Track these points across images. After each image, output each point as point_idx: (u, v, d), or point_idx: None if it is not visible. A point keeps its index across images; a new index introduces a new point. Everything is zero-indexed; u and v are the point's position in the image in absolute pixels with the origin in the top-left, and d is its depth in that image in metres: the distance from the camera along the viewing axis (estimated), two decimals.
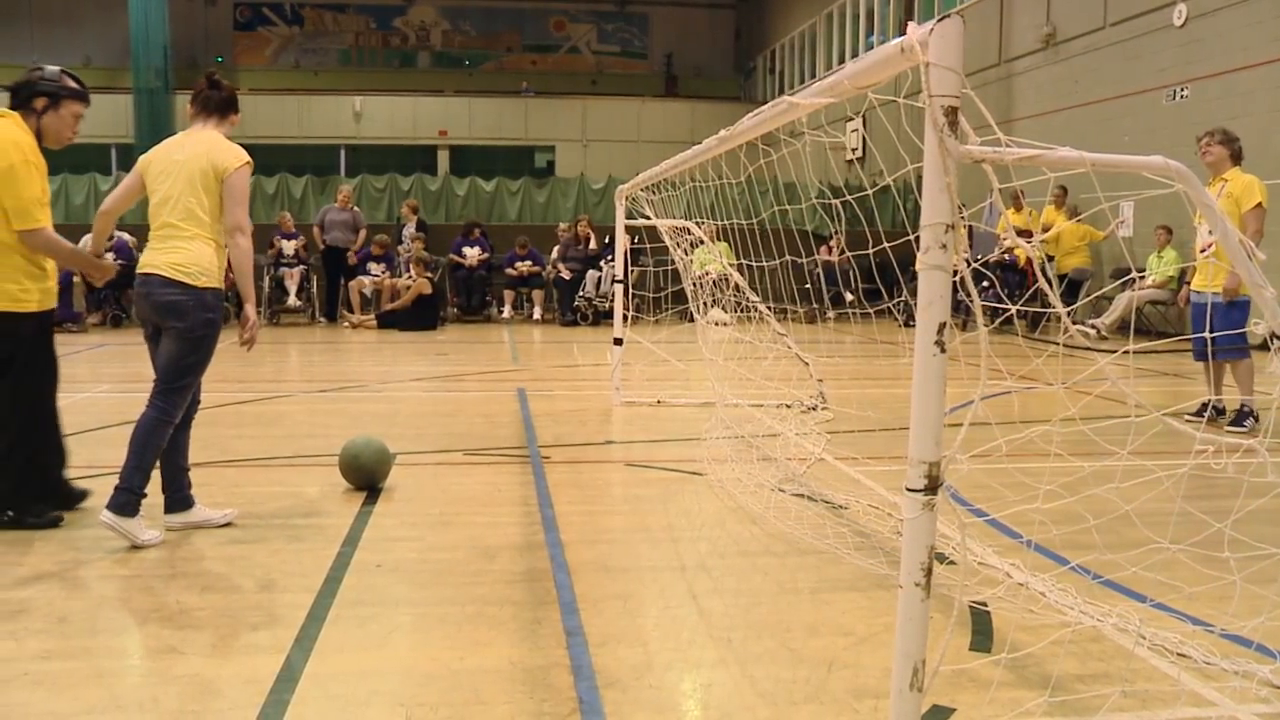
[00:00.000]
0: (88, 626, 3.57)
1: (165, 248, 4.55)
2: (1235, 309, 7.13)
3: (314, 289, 16.59)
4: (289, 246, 16.25)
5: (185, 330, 4.51)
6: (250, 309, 4.65)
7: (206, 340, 4.58)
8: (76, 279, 14.92)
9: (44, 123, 4.79)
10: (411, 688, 3.08)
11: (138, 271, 4.61)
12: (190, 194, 4.54)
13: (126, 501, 4.43)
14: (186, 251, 4.52)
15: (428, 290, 15.33)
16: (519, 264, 17.03)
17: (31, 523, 4.73)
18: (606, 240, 16.25)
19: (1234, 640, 3.34)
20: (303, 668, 3.22)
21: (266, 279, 16.05)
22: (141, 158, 4.74)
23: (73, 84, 4.85)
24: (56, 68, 4.89)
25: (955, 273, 2.27)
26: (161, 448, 4.57)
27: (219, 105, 4.75)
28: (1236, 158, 7.34)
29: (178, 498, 4.77)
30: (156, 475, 4.62)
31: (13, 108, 4.78)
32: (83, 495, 5.08)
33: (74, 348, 12.34)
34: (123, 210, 4.90)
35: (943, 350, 2.24)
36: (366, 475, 5.46)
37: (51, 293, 4.91)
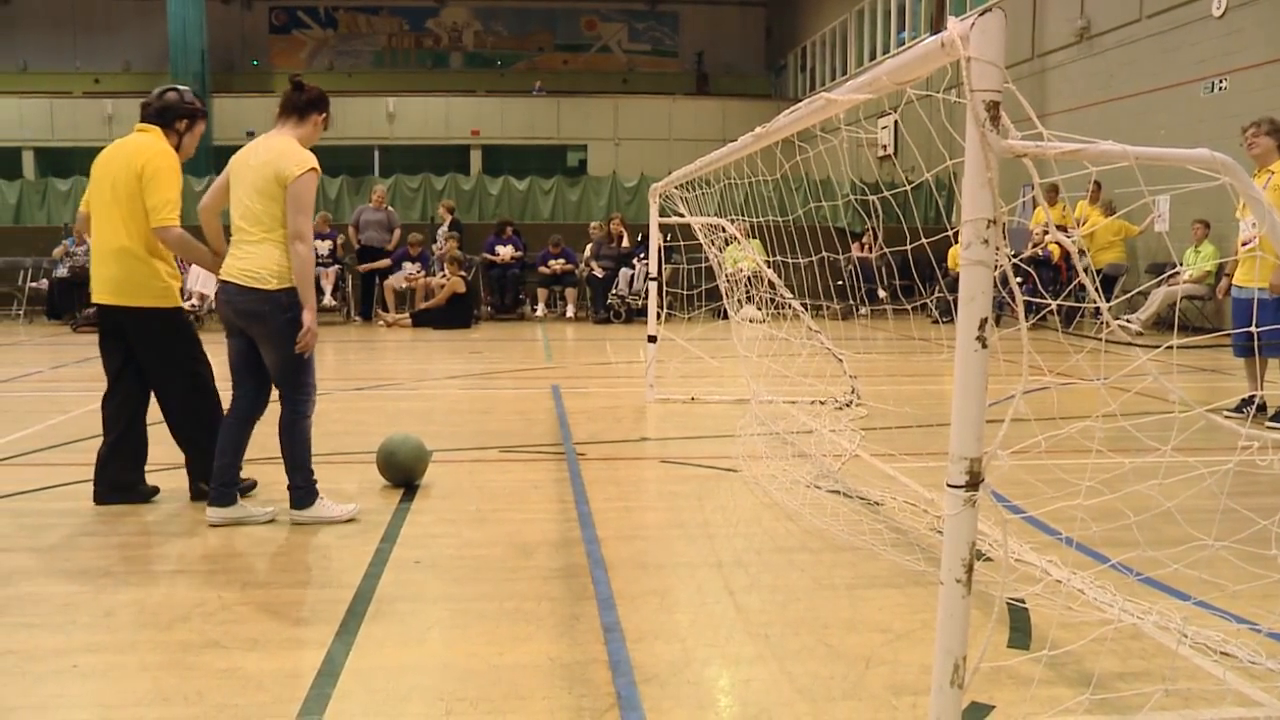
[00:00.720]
0: (133, 621, 3.62)
1: (238, 254, 4.68)
2: None
3: (349, 288, 16.71)
4: (324, 246, 16.37)
5: (271, 333, 4.67)
6: (308, 315, 4.67)
7: (296, 337, 4.67)
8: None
9: (184, 141, 5.19)
10: (451, 683, 3.11)
11: (219, 277, 4.79)
12: (257, 200, 4.63)
13: (303, 495, 4.83)
14: (254, 256, 4.63)
15: (461, 289, 15.40)
16: (552, 262, 17.07)
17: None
18: (639, 238, 16.26)
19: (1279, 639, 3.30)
20: (343, 662, 3.26)
21: None
22: (233, 156, 4.88)
23: (201, 106, 5.25)
24: (188, 89, 5.27)
25: (996, 268, 2.26)
26: (309, 439, 4.85)
27: (296, 107, 4.83)
28: None
29: (224, 493, 4.82)
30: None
31: (151, 122, 5.10)
32: (154, 491, 5.30)
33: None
34: (217, 207, 5.02)
35: (984, 345, 2.23)
36: (404, 472, 5.50)
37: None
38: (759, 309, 7.72)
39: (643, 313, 12.37)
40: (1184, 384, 8.99)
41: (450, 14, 34.10)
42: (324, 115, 4.94)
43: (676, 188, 8.00)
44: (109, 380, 5.23)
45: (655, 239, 8.69)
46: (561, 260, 17.07)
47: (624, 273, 16.53)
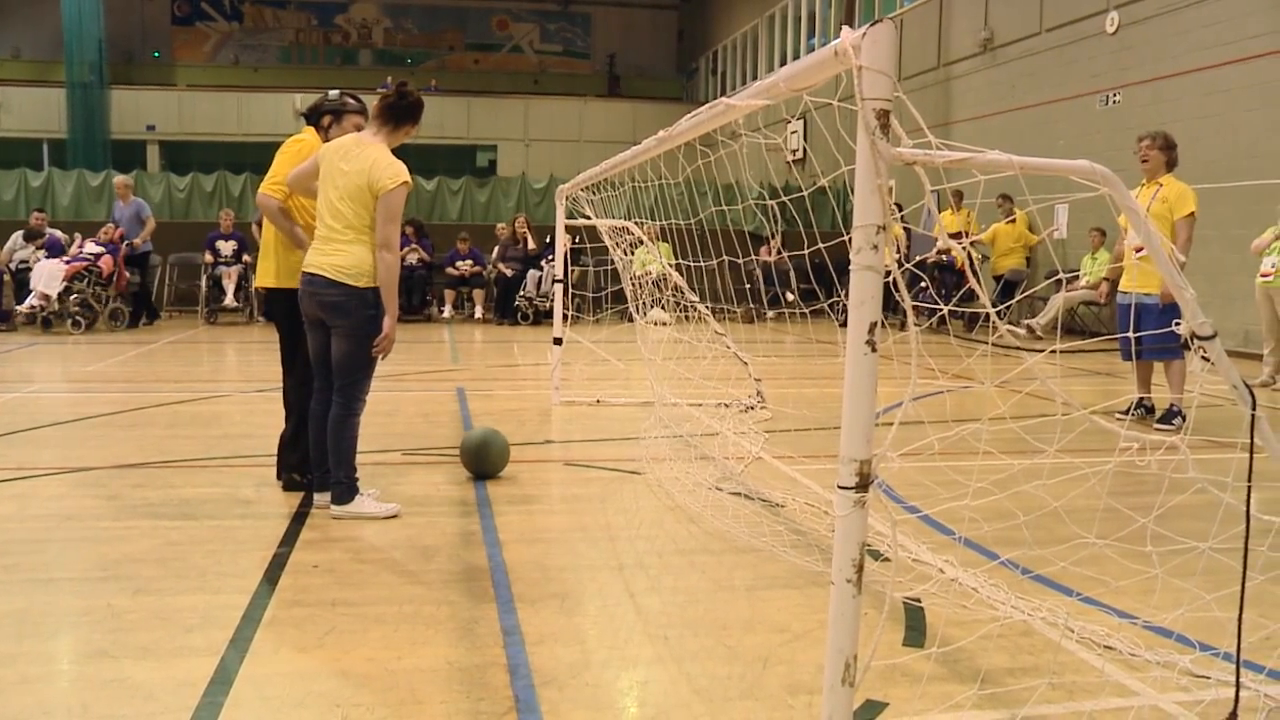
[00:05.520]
0: (14, 632, 3.50)
1: (327, 250, 4.84)
2: (1170, 311, 7.22)
3: (251, 288, 16.37)
4: (226, 247, 16.06)
5: (351, 328, 4.82)
6: (388, 321, 4.81)
7: (372, 336, 4.84)
8: (6, 278, 14.58)
9: (329, 135, 5.37)
10: (348, 688, 3.07)
11: (302, 270, 4.92)
12: (349, 205, 4.80)
13: (343, 491, 4.96)
14: (348, 254, 4.79)
15: None
16: (460, 263, 16.95)
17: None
18: (547, 240, 16.22)
19: (1157, 632, 3.43)
20: (237, 669, 3.19)
21: (204, 278, 15.88)
22: (322, 147, 5.01)
23: (352, 101, 5.49)
24: (337, 91, 5.57)
25: (888, 273, 2.30)
26: (355, 436, 5.00)
27: (393, 114, 4.92)
28: (1171, 165, 7.51)
29: (325, 479, 5.02)
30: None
31: (308, 123, 5.51)
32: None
33: (4, 347, 12.06)
34: (302, 186, 5.10)
35: (874, 349, 2.28)
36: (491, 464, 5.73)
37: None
38: (665, 311, 7.76)
39: (550, 314, 12.37)
40: (1079, 387, 9.26)
41: (360, 10, 33.64)
42: (414, 124, 5.03)
43: (584, 190, 8.00)
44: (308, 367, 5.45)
45: (561, 241, 8.68)
46: (469, 261, 16.96)
47: (532, 274, 16.48)
